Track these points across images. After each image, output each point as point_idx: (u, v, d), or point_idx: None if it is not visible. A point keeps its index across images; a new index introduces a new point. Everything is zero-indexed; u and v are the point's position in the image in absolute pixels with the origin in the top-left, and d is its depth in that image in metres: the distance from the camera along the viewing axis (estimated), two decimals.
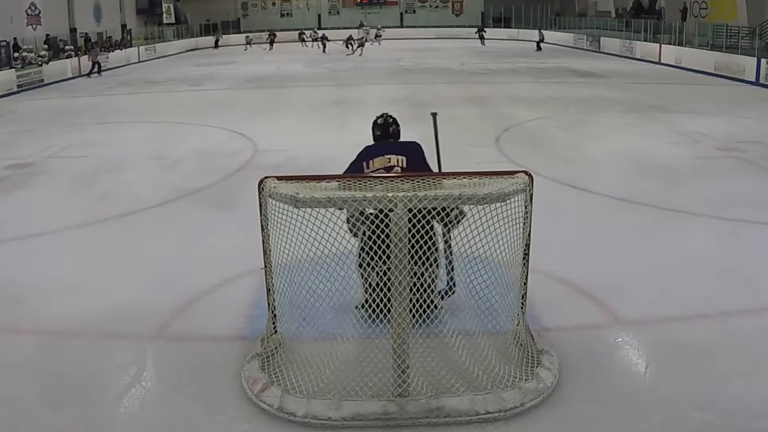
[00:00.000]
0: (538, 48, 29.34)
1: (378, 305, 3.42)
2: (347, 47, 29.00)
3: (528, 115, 12.15)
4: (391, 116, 4.30)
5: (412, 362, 3.32)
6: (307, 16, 41.69)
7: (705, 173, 7.96)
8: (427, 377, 3.43)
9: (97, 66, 22.17)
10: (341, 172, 3.92)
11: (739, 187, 7.29)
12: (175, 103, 15.21)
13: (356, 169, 3.93)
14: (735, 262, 5.16)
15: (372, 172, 3.84)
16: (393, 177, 3.54)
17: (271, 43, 33.93)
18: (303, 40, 34.45)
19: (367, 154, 4.01)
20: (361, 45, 28.64)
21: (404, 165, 3.87)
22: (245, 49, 33.11)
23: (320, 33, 33.63)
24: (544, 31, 30.95)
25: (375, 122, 4.30)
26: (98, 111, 14.10)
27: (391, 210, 3.11)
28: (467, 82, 17.84)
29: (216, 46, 36.02)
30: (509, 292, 3.73)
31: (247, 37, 35.48)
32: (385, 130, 4.24)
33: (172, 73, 22.04)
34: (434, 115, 4.58)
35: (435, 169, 4.16)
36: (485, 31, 34.16)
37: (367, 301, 3.85)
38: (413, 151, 4.00)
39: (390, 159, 3.91)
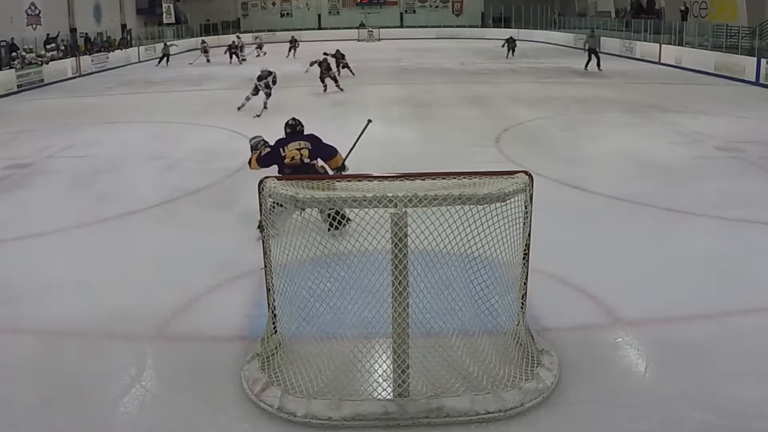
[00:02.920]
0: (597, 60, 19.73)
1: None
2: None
3: (528, 115, 12.14)
4: (298, 119, 5.75)
5: (412, 362, 3.32)
6: (307, 16, 41.66)
7: (705, 173, 7.96)
8: (427, 377, 3.43)
9: None
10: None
11: (739, 187, 7.29)
12: (175, 103, 15.19)
13: (275, 155, 5.43)
14: (735, 262, 5.16)
15: (287, 154, 5.38)
16: (384, 177, 3.55)
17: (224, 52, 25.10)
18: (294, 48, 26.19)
19: (282, 143, 5.52)
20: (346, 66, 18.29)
21: (310, 147, 5.46)
22: (158, 64, 24.75)
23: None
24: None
25: (287, 123, 5.74)
26: (98, 111, 14.09)
27: None
28: (467, 82, 17.83)
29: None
30: (509, 292, 3.73)
31: (164, 46, 25.79)
32: (294, 128, 5.68)
33: (172, 73, 22.00)
34: (369, 121, 6.19)
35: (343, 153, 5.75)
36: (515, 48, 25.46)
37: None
38: (313, 139, 5.57)
39: (300, 143, 5.48)
